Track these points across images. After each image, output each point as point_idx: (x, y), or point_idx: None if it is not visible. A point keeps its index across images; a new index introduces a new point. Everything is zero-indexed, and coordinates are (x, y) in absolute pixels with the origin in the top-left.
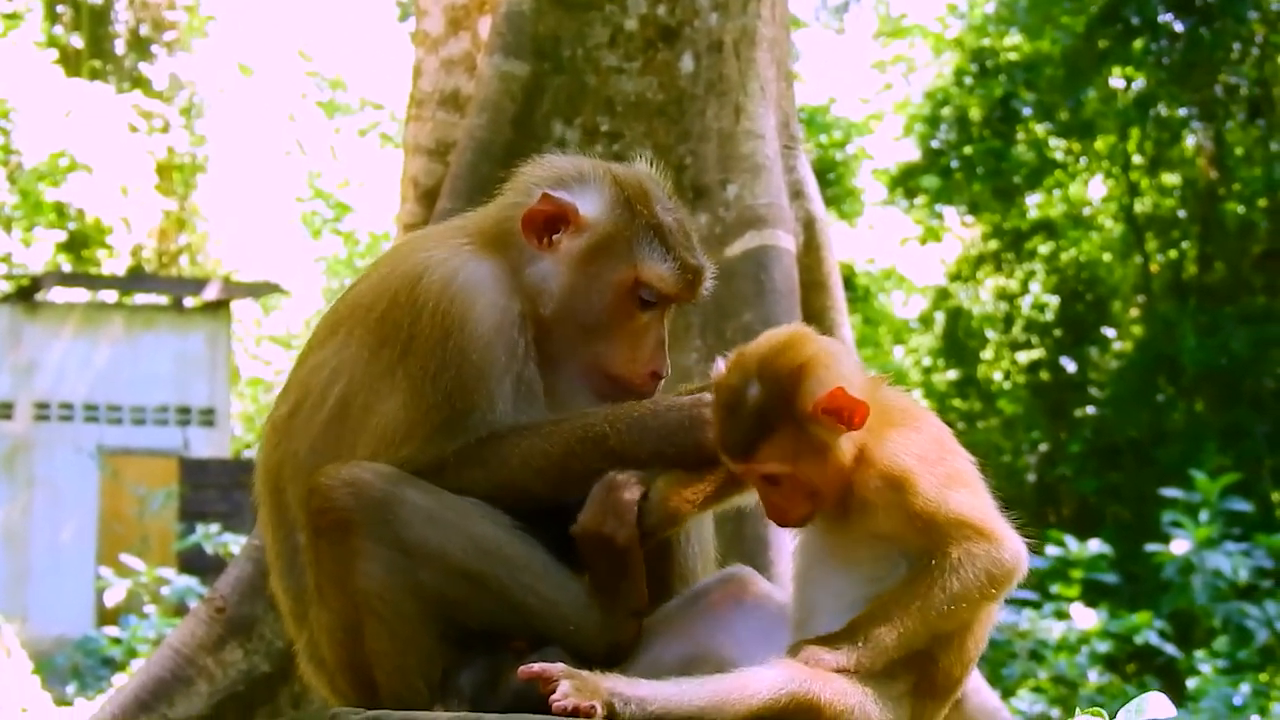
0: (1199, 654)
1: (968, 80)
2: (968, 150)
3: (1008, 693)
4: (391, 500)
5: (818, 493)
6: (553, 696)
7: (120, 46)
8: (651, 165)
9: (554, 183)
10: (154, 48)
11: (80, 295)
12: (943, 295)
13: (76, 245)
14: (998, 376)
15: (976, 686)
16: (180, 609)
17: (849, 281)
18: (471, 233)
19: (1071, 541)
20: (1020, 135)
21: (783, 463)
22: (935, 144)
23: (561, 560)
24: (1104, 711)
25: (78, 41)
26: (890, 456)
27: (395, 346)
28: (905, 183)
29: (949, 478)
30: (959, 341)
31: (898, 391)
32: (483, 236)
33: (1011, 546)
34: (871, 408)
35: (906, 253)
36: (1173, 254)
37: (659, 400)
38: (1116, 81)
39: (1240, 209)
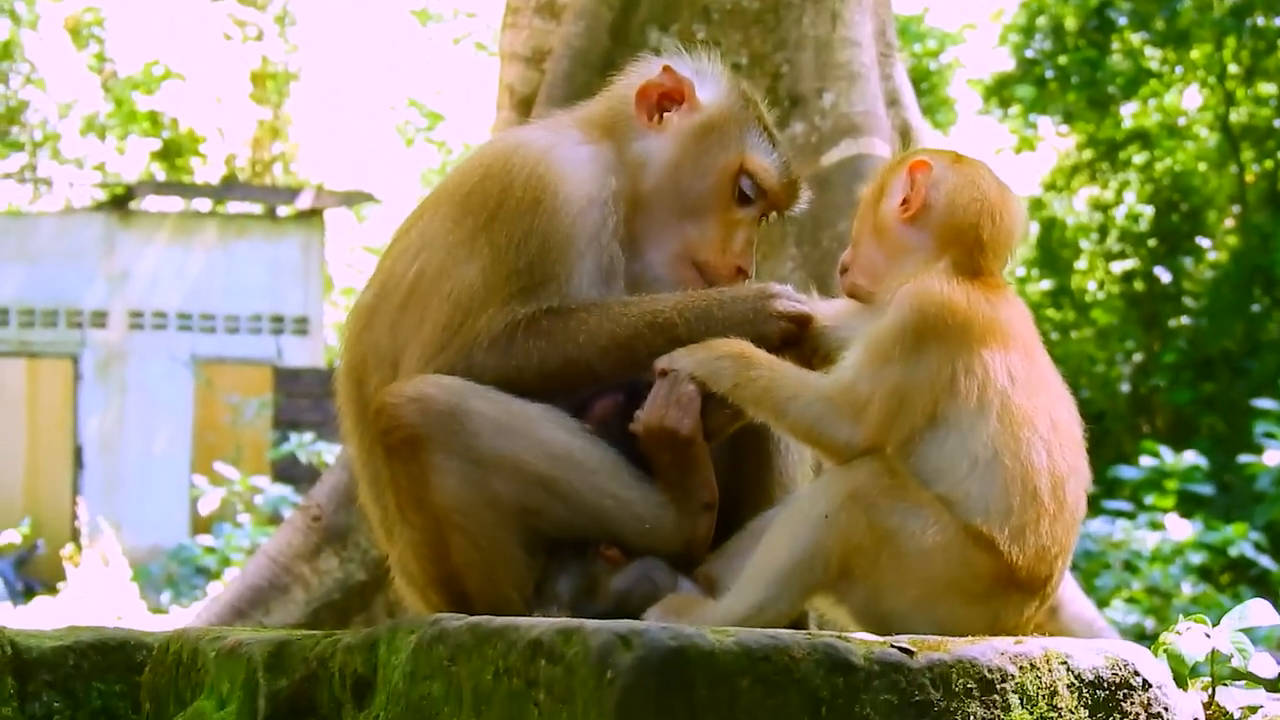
0: None
1: None
2: (1062, 60)
3: (1101, 603)
4: (459, 413)
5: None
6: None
7: None
8: (743, 71)
9: (675, 64)
10: None
11: (174, 204)
12: (1037, 205)
13: (170, 154)
14: (1091, 287)
15: (1072, 596)
16: (274, 518)
17: None
18: (577, 119)
19: (1166, 453)
20: (1115, 45)
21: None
22: (1030, 53)
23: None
24: (1206, 619)
25: None
26: (921, 286)
27: (481, 215)
28: (1000, 92)
29: (894, 352)
30: (1053, 251)
31: (1009, 306)
32: (588, 122)
33: (847, 435)
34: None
35: (1000, 162)
36: (1268, 164)
37: (725, 290)
38: None
39: None
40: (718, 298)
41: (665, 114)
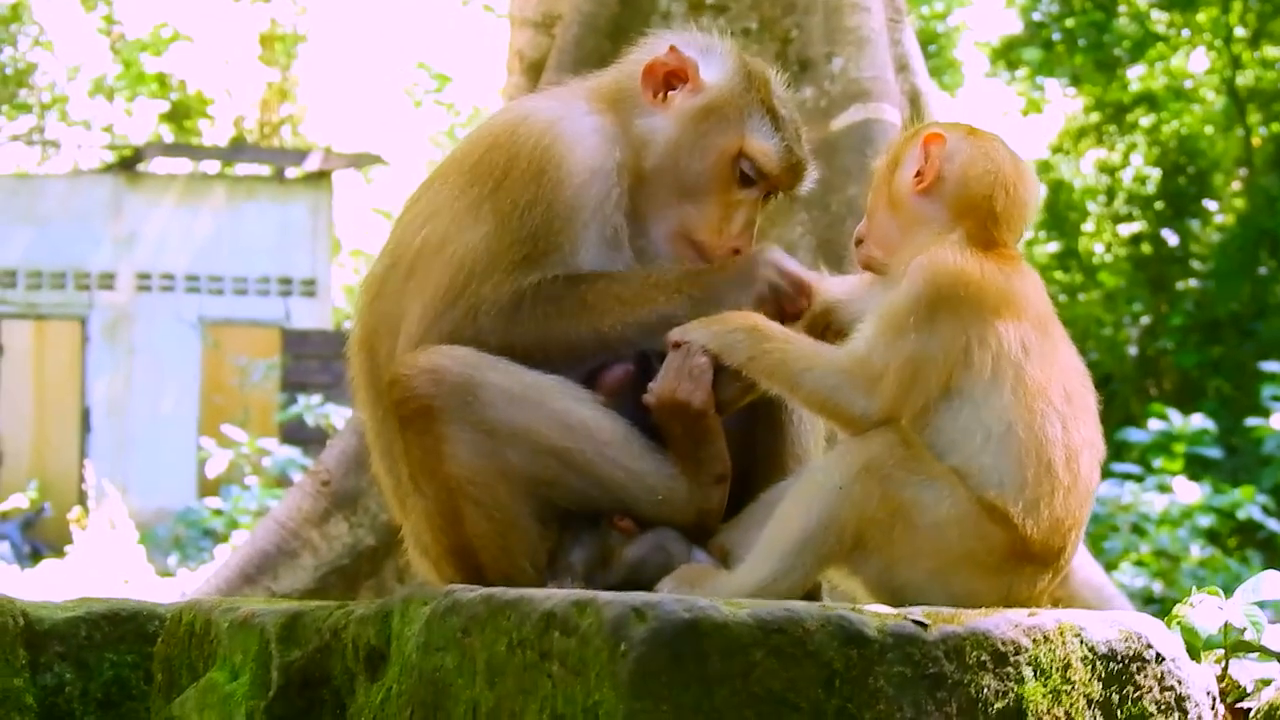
0: None
1: None
2: (1070, 23)
3: (1110, 566)
4: (472, 384)
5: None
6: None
7: None
8: (752, 36)
9: (682, 43)
10: None
11: (182, 166)
12: (1044, 168)
13: (178, 116)
14: (1099, 249)
15: (1082, 562)
16: (281, 480)
17: None
18: (586, 89)
19: (1174, 415)
20: (1122, 7)
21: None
22: (1037, 16)
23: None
24: (1219, 590)
25: None
26: (935, 257)
27: (486, 183)
28: (1007, 55)
29: (908, 323)
30: (1060, 214)
31: (1020, 276)
32: (596, 93)
33: (862, 407)
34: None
35: (1008, 125)
36: (1275, 127)
37: (728, 259)
38: None
39: None
40: (721, 264)
41: (670, 92)
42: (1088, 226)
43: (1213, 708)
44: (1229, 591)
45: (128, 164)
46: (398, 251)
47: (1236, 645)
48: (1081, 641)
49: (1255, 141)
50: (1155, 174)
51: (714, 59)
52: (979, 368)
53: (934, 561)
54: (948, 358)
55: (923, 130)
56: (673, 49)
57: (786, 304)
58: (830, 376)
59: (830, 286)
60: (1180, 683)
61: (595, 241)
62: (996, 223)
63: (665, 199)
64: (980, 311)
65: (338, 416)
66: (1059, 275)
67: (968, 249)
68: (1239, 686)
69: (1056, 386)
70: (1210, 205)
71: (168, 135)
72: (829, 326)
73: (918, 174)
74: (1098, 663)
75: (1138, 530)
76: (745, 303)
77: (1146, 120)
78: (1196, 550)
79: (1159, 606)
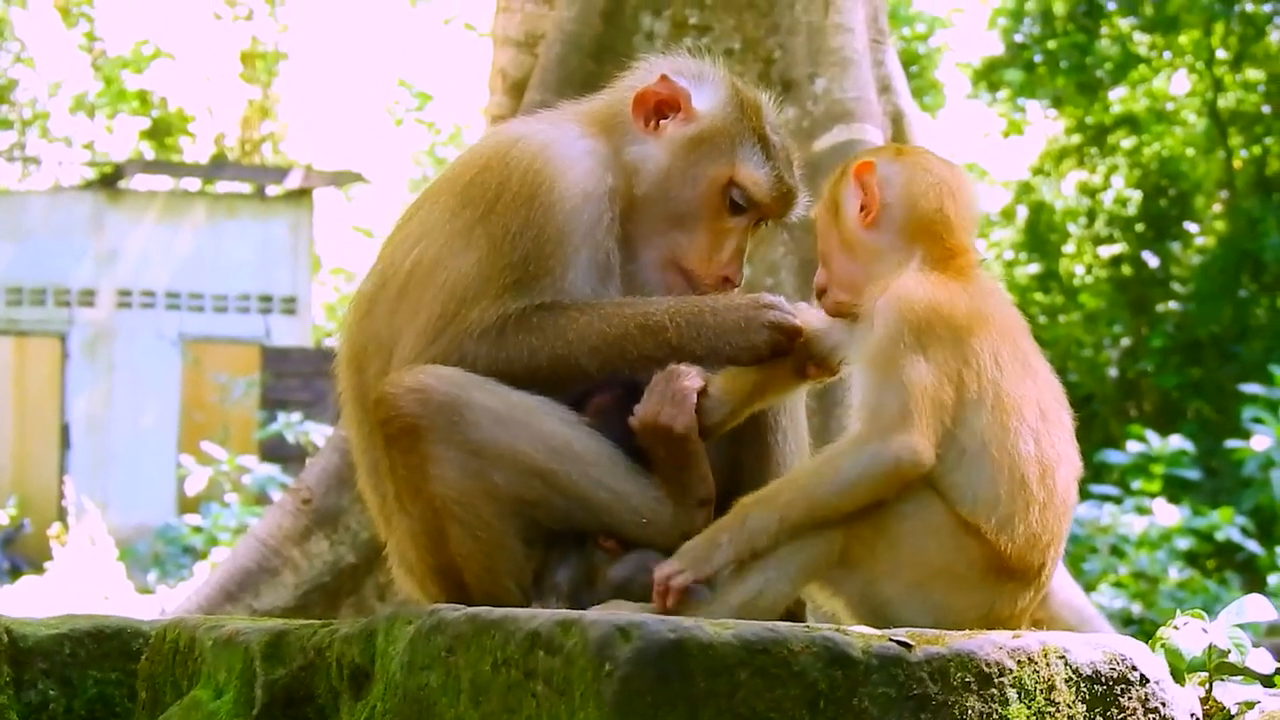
0: None
1: None
2: (1051, 44)
3: (1089, 588)
4: (458, 403)
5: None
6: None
7: None
8: (735, 56)
9: (674, 70)
10: None
11: (163, 183)
12: (1025, 189)
13: (159, 133)
14: (1079, 271)
15: (1062, 583)
16: (261, 497)
17: None
18: (579, 114)
19: (1153, 437)
20: (1104, 29)
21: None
22: (1019, 38)
23: (632, 457)
24: (1202, 613)
25: None
26: (899, 291)
27: (479, 206)
28: (988, 76)
29: (903, 358)
30: (1041, 235)
31: (986, 285)
32: (588, 118)
33: (900, 448)
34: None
35: (989, 146)
36: (1256, 150)
37: (719, 298)
38: None
39: None
40: (711, 305)
41: (662, 121)
42: (1068, 248)
43: None
44: (1209, 613)
45: (108, 181)
46: (388, 271)
47: (1220, 668)
48: (1066, 663)
49: (1236, 164)
50: (1136, 196)
51: (706, 87)
52: (969, 388)
53: (915, 574)
54: (949, 381)
55: (850, 165)
56: (664, 78)
57: (781, 352)
58: (861, 455)
59: (810, 319)
60: (1164, 705)
61: (586, 266)
62: (952, 231)
63: (655, 226)
64: (956, 334)
65: (318, 434)
66: (1039, 296)
67: (928, 272)
68: (1223, 709)
69: (1030, 402)
70: (1191, 227)
71: (149, 152)
72: (809, 357)
73: (862, 208)
74: (1082, 684)
75: (1117, 552)
76: (743, 357)
77: (1128, 142)
78: (1175, 572)
79: (1138, 628)
